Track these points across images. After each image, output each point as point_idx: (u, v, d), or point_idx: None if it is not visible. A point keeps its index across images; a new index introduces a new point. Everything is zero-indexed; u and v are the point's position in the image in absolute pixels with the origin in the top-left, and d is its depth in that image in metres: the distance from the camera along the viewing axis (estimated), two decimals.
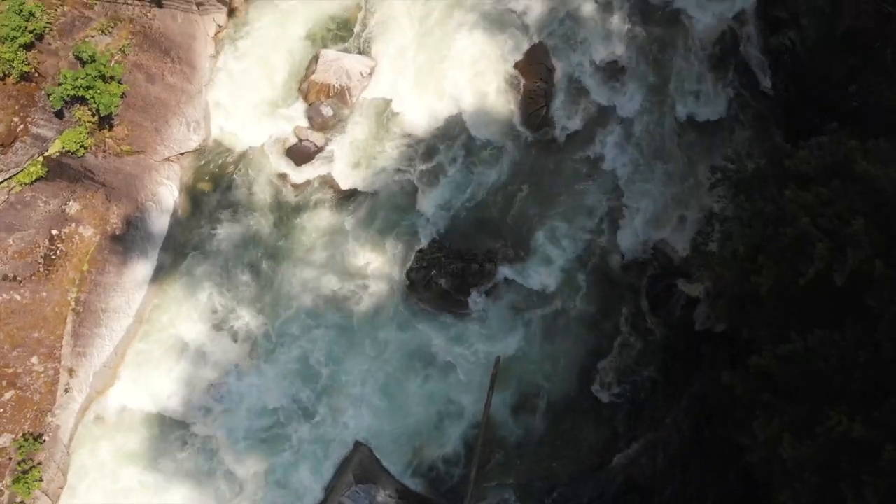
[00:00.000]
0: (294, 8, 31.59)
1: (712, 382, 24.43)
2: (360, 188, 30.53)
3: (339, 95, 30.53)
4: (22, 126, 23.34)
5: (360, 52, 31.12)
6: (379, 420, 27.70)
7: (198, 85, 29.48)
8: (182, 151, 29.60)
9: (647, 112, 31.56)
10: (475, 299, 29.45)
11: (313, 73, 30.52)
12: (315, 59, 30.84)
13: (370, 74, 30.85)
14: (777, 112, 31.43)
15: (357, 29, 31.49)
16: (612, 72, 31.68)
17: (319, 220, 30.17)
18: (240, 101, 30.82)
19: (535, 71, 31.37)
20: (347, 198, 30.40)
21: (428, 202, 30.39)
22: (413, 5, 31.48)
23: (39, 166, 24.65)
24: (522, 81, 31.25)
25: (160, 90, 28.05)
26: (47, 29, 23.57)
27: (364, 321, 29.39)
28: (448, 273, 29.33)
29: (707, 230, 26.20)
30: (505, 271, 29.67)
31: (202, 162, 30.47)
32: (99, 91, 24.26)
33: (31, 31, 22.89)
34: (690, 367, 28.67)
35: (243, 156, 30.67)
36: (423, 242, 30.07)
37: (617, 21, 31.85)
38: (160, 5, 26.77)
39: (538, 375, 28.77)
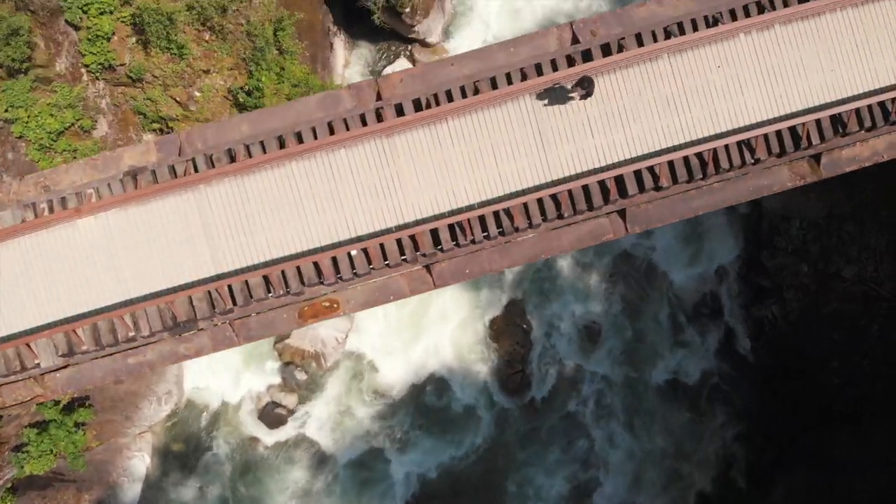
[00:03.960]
0: None
1: None
2: (333, 451, 30.63)
3: (315, 359, 30.17)
4: None
5: None
6: None
7: None
8: (154, 422, 29.46)
9: (624, 374, 31.35)
10: None
11: (288, 336, 29.98)
12: None
13: (345, 339, 30.37)
14: (757, 381, 31.27)
15: None
16: (589, 333, 31.25)
17: (291, 484, 30.43)
18: (213, 357, 30.33)
19: (511, 332, 30.95)
20: (320, 461, 30.54)
21: (402, 465, 30.59)
22: None
23: (8, 502, 24.71)
24: (499, 343, 30.83)
25: (129, 383, 27.66)
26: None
27: None
28: None
29: None
30: None
31: (175, 422, 30.36)
32: (64, 442, 24.02)
33: None
34: None
35: (216, 415, 30.56)
36: None
37: (595, 279, 31.17)
38: None
39: None
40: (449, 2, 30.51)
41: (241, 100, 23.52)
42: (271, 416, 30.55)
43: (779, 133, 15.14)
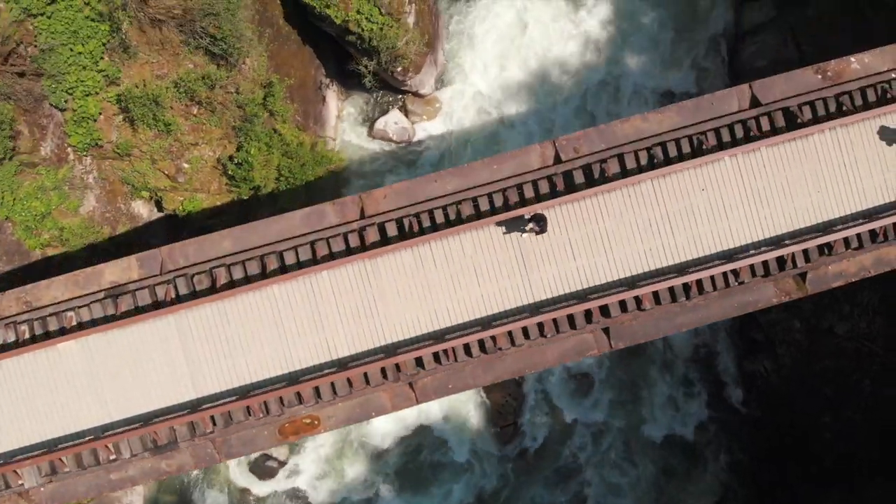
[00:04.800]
0: None
1: None
2: (325, 502, 30.73)
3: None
4: None
5: None
6: None
7: None
8: None
9: (617, 425, 31.35)
10: None
11: None
12: None
13: None
14: (749, 433, 31.31)
15: None
16: (581, 384, 31.22)
17: None
18: None
19: (503, 384, 30.89)
20: None
21: None
22: None
23: None
24: (491, 395, 30.86)
25: None
26: None
27: None
28: None
29: None
30: None
31: None
32: None
33: None
34: None
35: (207, 467, 30.59)
36: None
37: None
38: None
39: None
40: (441, 54, 30.29)
41: (230, 171, 23.37)
42: (262, 468, 30.61)
43: (764, 260, 15.04)
